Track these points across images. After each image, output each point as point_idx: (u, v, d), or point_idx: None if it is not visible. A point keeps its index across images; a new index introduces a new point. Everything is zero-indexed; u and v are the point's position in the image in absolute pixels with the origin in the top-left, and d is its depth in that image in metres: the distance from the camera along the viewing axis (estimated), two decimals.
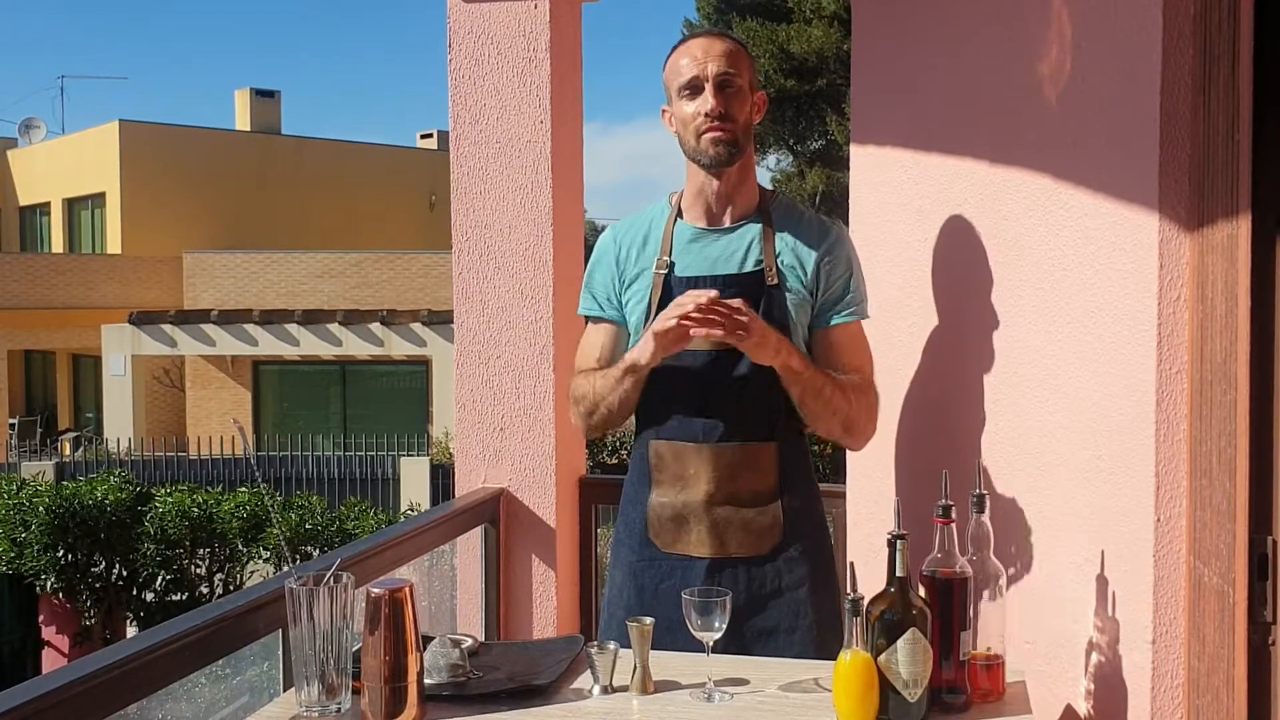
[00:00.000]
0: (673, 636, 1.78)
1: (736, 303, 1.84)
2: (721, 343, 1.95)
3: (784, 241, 2.02)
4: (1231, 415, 1.45)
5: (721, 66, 1.96)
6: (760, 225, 2.02)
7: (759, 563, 1.97)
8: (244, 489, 11.13)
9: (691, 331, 1.84)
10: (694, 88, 1.97)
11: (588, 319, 2.16)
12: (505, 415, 2.76)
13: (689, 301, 1.84)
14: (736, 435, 1.96)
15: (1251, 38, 1.44)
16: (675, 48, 2.04)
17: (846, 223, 2.32)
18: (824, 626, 1.95)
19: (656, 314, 2.00)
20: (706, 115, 1.95)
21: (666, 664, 1.73)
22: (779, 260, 2.00)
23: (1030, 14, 1.84)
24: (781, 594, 1.97)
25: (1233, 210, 1.44)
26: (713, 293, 1.84)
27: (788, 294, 1.99)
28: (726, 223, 2.04)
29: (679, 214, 2.07)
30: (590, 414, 2.08)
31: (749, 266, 2.00)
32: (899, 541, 1.55)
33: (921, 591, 1.59)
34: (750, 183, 2.05)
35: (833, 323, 2.01)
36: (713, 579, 1.94)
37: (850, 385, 1.98)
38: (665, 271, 2.02)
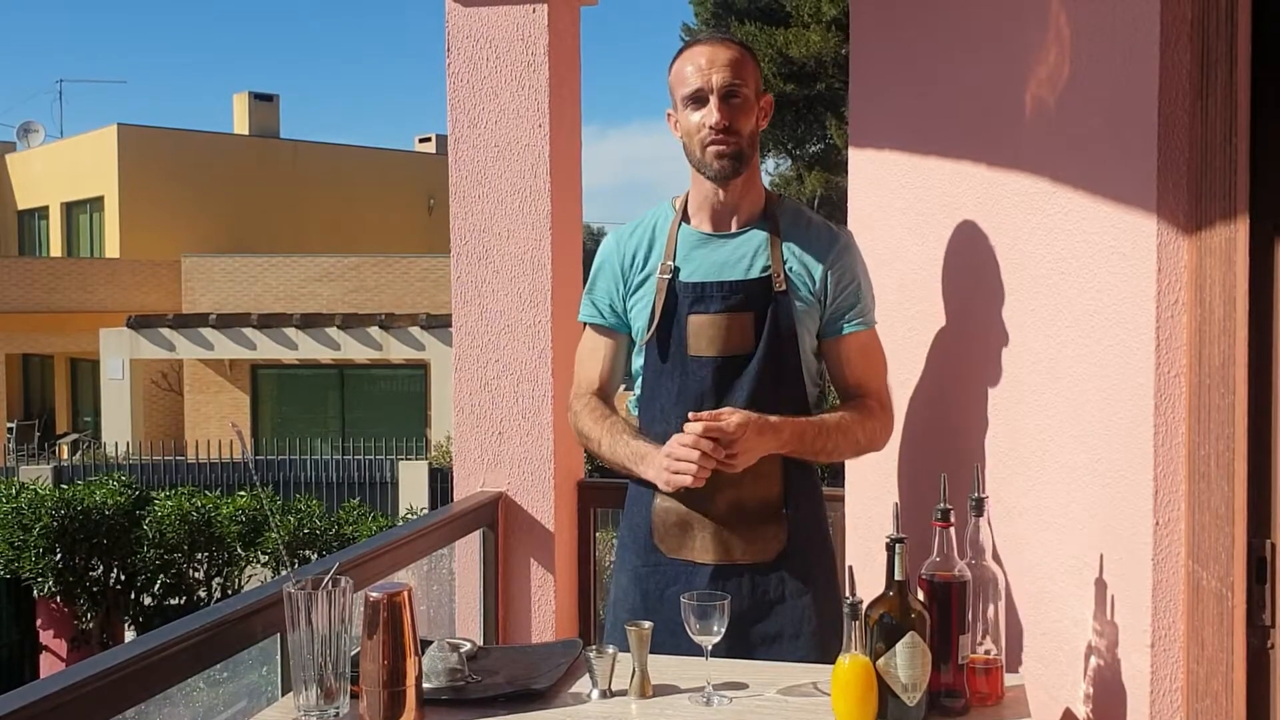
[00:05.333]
0: (677, 641, 1.78)
1: (724, 425, 1.84)
2: (726, 349, 1.95)
3: (791, 248, 2.01)
4: (1230, 419, 1.45)
5: (727, 77, 1.94)
6: (767, 231, 2.01)
7: (763, 570, 1.97)
8: (242, 493, 11.12)
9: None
10: (699, 98, 1.95)
11: (588, 325, 2.15)
12: (504, 419, 2.76)
13: (695, 454, 1.85)
14: None
15: (1249, 41, 1.44)
16: (681, 53, 2.01)
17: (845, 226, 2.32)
18: (828, 633, 1.94)
19: (660, 320, 2.00)
20: (711, 128, 1.93)
21: (665, 668, 1.73)
22: (786, 267, 1.99)
23: (1029, 18, 1.84)
24: (785, 601, 1.97)
25: (1231, 214, 1.44)
26: (718, 428, 1.84)
27: (795, 301, 1.98)
28: (732, 228, 2.02)
29: (684, 218, 2.06)
30: (592, 453, 2.15)
31: (755, 272, 1.99)
32: (897, 545, 1.55)
33: (920, 595, 1.59)
34: (756, 189, 2.04)
35: (844, 332, 2.01)
36: (717, 585, 1.94)
37: (856, 420, 1.99)
38: (669, 276, 2.01)
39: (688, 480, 1.86)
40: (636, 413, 2.09)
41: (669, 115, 2.05)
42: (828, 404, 2.06)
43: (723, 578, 1.95)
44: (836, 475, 2.57)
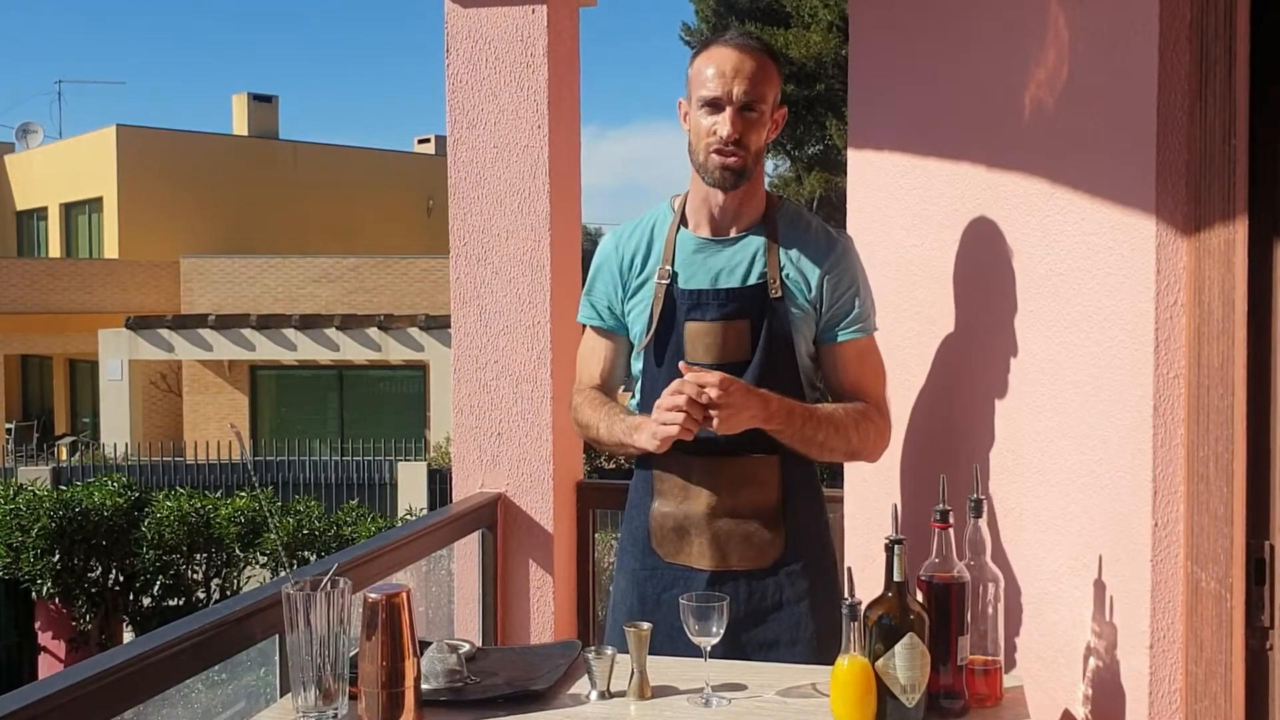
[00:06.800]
0: (674, 645, 1.78)
1: (712, 379, 1.81)
2: (722, 356, 1.94)
3: (788, 254, 1.99)
4: (1229, 420, 1.45)
5: (746, 90, 1.90)
6: (765, 236, 1.99)
7: (760, 576, 1.96)
8: (241, 494, 11.12)
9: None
10: (714, 105, 1.91)
11: (587, 326, 2.14)
12: (503, 420, 2.76)
13: (681, 399, 1.81)
14: (739, 447, 1.94)
15: (1248, 42, 1.44)
16: (706, 48, 1.97)
17: (845, 227, 2.31)
18: (825, 639, 1.92)
19: (657, 326, 1.99)
20: (722, 139, 1.90)
21: (664, 669, 1.73)
22: (783, 273, 1.97)
23: (1028, 19, 1.85)
24: (782, 607, 1.96)
25: (1229, 215, 1.44)
26: (705, 378, 1.81)
27: (792, 308, 1.96)
28: (731, 233, 2.00)
29: (683, 221, 2.04)
30: (592, 441, 2.11)
31: (753, 279, 1.97)
32: (896, 546, 1.54)
33: (919, 596, 1.59)
34: (757, 194, 2.01)
35: (839, 339, 1.99)
36: (713, 591, 1.93)
37: (850, 418, 1.96)
38: (667, 282, 2.00)
39: (674, 430, 1.83)
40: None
41: (680, 104, 2.01)
42: None
43: (719, 583, 1.94)
44: (836, 476, 2.57)
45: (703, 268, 2.00)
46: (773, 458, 1.96)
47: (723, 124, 1.91)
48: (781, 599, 1.96)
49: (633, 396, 2.10)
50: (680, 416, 1.81)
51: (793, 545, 1.97)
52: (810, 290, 1.98)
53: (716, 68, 1.92)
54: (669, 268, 2.01)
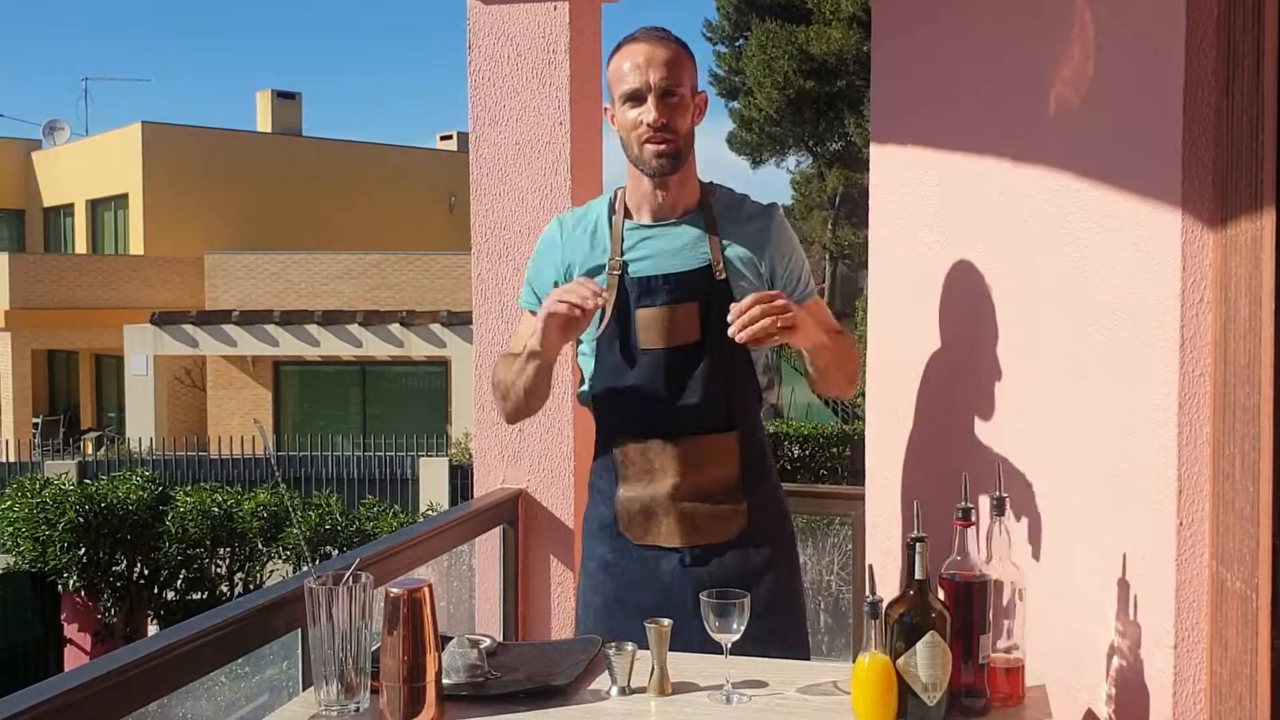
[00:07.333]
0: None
1: (778, 297, 1.85)
2: (671, 340, 1.99)
3: (728, 235, 2.06)
4: (1255, 418, 1.44)
5: (664, 76, 1.97)
6: (703, 221, 2.06)
7: (722, 549, 2.02)
8: (264, 489, 11.18)
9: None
10: (636, 96, 1.98)
11: (527, 311, 2.16)
12: None
13: (577, 289, 1.86)
14: (698, 427, 2.01)
15: (1276, 38, 1.42)
16: (618, 49, 2.04)
17: (866, 224, 2.32)
18: (782, 596, 2.03)
19: (612, 315, 2.02)
20: (649, 125, 1.97)
21: (684, 665, 1.73)
22: (725, 253, 2.05)
23: (1052, 14, 1.83)
24: (748, 576, 2.01)
25: (1256, 211, 1.43)
26: (594, 286, 1.87)
27: (737, 286, 2.02)
28: (671, 220, 2.07)
29: (626, 214, 2.09)
30: (504, 399, 2.11)
31: (696, 263, 2.04)
32: (918, 544, 1.54)
33: (940, 594, 1.59)
34: (691, 182, 2.08)
35: (802, 304, 2.04)
36: (683, 567, 2.00)
37: (847, 342, 2.15)
38: (619, 272, 2.05)
39: (563, 308, 1.85)
40: (590, 405, 2.10)
41: (605, 109, 2.08)
42: (775, 395, 2.13)
43: (689, 560, 2.00)
44: (857, 473, 2.57)
45: (650, 254, 2.05)
46: (730, 434, 2.03)
47: (647, 112, 1.97)
48: (745, 569, 2.02)
49: (581, 384, 2.14)
50: (575, 297, 1.85)
51: (755, 518, 2.04)
52: (758, 267, 2.06)
53: (631, 62, 1.99)
54: (619, 259, 2.05)
